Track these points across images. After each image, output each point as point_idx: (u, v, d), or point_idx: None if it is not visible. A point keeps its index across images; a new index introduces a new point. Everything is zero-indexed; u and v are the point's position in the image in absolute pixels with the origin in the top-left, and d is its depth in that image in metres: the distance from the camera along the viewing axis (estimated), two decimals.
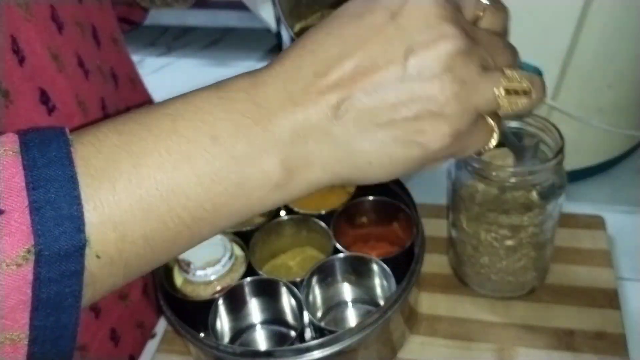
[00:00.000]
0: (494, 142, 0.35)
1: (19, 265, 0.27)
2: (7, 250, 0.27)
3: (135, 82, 0.64)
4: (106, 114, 0.53)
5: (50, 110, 0.46)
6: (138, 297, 0.63)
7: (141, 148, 0.31)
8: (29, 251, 0.27)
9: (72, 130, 0.31)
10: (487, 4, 0.35)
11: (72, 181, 0.29)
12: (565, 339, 0.55)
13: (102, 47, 0.56)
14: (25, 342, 0.29)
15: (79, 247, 0.29)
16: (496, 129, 0.35)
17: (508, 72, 0.34)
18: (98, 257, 0.30)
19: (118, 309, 0.59)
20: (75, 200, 0.29)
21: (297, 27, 0.47)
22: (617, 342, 0.54)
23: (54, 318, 0.29)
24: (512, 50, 0.35)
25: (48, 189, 0.28)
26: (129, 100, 0.61)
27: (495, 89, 0.33)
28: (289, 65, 0.33)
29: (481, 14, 0.35)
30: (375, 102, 0.32)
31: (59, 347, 0.31)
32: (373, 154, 0.33)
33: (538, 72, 0.43)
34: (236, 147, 0.31)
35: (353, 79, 0.32)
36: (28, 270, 0.28)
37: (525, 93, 0.34)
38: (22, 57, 0.43)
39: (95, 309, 0.55)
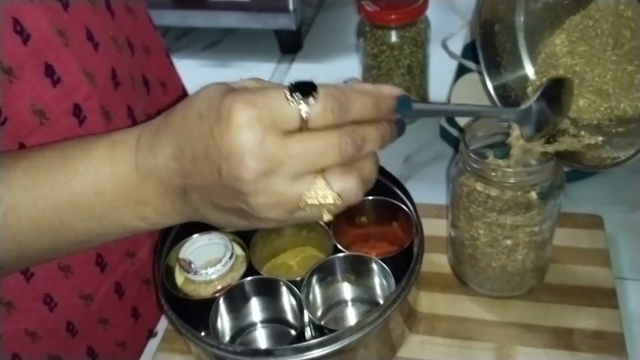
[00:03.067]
0: (326, 218, 0.40)
1: None
2: None
3: (151, 50, 0.65)
4: (117, 82, 0.56)
5: (55, 82, 0.50)
6: (146, 256, 0.64)
7: (40, 192, 0.43)
8: None
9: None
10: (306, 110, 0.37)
11: None
12: (563, 338, 0.55)
13: (116, 17, 0.58)
14: None
15: None
16: (323, 214, 0.40)
17: (317, 183, 0.38)
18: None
19: (124, 265, 0.61)
20: None
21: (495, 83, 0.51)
22: (616, 342, 0.54)
23: None
24: (337, 153, 0.37)
25: None
26: (144, 67, 0.63)
27: (298, 199, 0.38)
28: (161, 141, 0.41)
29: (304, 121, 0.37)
30: (208, 196, 0.41)
31: None
32: (219, 220, 0.43)
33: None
34: (114, 202, 0.43)
35: (190, 171, 0.40)
36: None
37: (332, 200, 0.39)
38: (27, 35, 0.47)
39: (100, 264, 0.58)
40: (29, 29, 0.47)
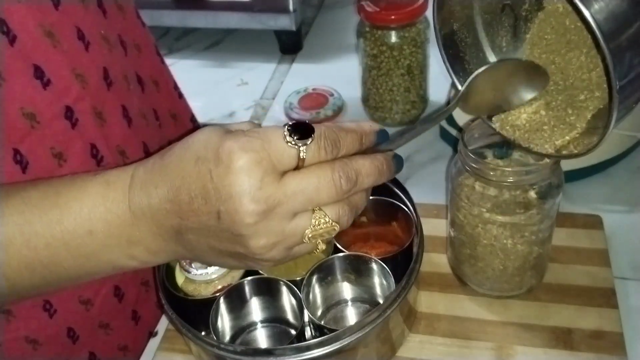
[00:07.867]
0: (320, 248, 0.44)
1: None
2: None
3: (142, 48, 0.65)
4: (109, 82, 0.55)
5: (45, 84, 0.49)
6: None
7: (32, 230, 0.43)
8: None
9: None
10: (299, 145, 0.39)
11: None
12: (563, 337, 0.55)
13: (108, 15, 0.57)
14: None
15: None
16: (318, 245, 0.43)
17: (315, 216, 0.41)
18: None
19: None
20: None
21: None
22: (615, 341, 0.54)
23: None
24: (332, 188, 0.40)
25: None
26: (137, 66, 0.63)
27: (300, 235, 0.41)
28: (155, 181, 0.42)
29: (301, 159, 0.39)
30: (205, 239, 0.42)
31: None
32: (213, 261, 0.45)
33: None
34: (106, 241, 0.43)
35: (187, 213, 0.40)
36: None
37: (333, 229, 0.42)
38: (13, 36, 0.46)
39: None
40: (15, 30, 0.46)
